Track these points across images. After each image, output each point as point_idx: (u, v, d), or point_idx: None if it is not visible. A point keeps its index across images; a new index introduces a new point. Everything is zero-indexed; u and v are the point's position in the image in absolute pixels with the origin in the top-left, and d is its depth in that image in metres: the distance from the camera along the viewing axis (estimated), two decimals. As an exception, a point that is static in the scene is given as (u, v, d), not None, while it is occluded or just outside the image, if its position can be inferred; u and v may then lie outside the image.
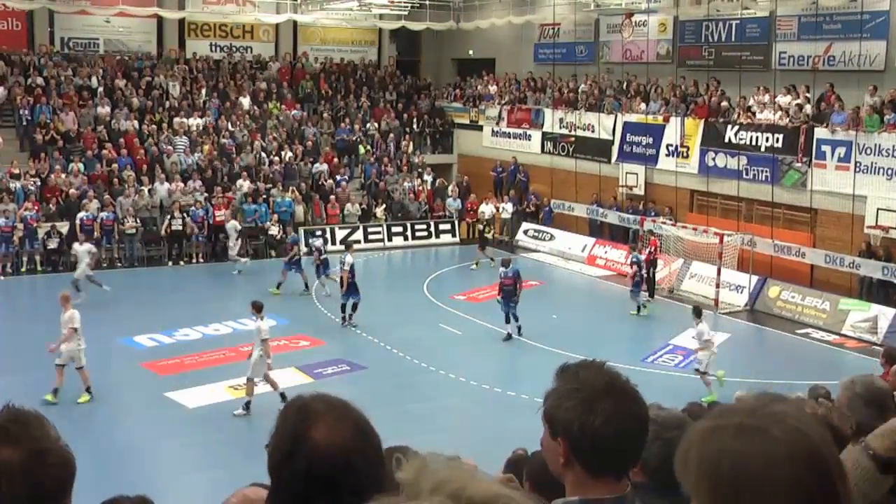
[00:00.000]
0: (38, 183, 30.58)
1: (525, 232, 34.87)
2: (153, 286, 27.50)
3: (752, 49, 30.44)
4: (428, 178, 37.09)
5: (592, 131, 34.13)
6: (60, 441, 2.05)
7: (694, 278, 28.02)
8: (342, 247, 27.69)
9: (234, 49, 41.22)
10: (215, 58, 40.18)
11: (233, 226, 29.44)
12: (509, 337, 22.32)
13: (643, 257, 25.82)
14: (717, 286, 26.28)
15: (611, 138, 33.41)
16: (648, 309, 25.30)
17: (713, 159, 29.81)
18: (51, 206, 29.88)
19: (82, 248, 25.77)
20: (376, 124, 38.91)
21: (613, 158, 33.26)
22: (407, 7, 38.15)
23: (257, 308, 17.36)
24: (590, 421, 2.44)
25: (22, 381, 17.26)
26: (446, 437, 14.91)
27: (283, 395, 16.68)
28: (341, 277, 23.34)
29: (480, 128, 39.27)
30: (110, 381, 18.92)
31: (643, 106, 32.60)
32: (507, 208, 35.16)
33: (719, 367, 18.44)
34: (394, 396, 18.57)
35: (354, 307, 23.09)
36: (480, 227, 32.77)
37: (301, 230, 32.23)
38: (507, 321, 22.47)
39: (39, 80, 34.86)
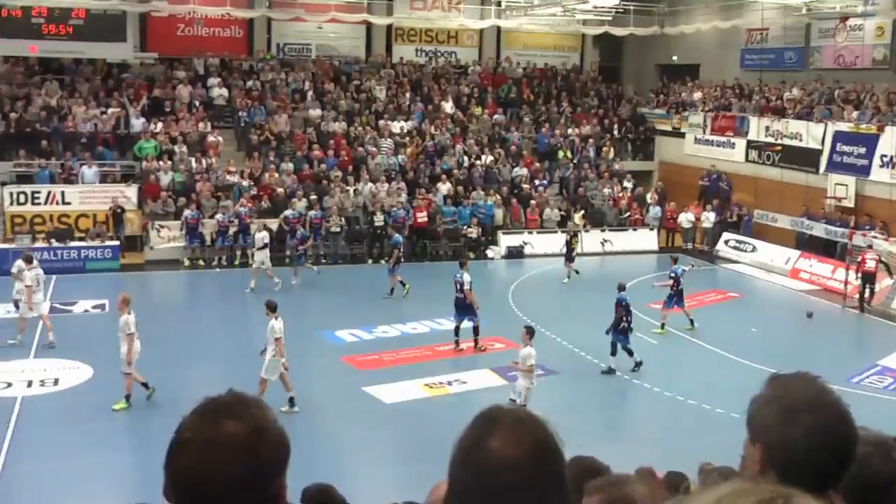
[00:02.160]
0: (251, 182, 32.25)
1: (726, 242, 34.02)
2: (355, 283, 28.41)
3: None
4: (628, 184, 36.77)
5: (800, 140, 32.95)
6: (277, 422, 2.20)
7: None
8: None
9: (438, 54, 42.17)
10: (420, 62, 41.22)
11: (262, 236, 27.51)
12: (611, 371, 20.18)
13: (680, 270, 23.74)
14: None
15: (819, 148, 32.12)
16: (663, 330, 23.46)
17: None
18: (263, 203, 31.42)
19: (259, 235, 27.18)
20: (577, 130, 38.89)
21: (822, 169, 31.97)
22: (611, 12, 37.92)
23: (271, 307, 17.07)
24: (788, 431, 2.39)
25: (226, 368, 18.28)
26: (636, 448, 14.79)
27: (291, 400, 16.84)
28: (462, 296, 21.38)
29: (683, 135, 38.59)
30: (311, 373, 19.72)
31: (855, 114, 31.24)
32: (709, 218, 34.43)
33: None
34: (585, 403, 18.59)
35: (476, 331, 21.34)
36: (567, 238, 30.36)
37: (499, 233, 32.75)
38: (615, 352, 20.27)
39: (256, 84, 36.77)
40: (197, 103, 35.42)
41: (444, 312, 23.43)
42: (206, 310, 26.02)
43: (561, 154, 37.57)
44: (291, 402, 16.87)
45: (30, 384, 18.34)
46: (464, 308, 21.37)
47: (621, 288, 20.55)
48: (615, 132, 39.85)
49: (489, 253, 32.49)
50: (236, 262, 29.97)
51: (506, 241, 32.94)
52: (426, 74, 40.13)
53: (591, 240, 33.97)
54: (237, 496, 2.05)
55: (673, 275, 23.60)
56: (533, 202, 34.21)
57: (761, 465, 2.45)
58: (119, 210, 30.36)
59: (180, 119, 34.27)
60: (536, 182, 35.57)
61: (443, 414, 17.37)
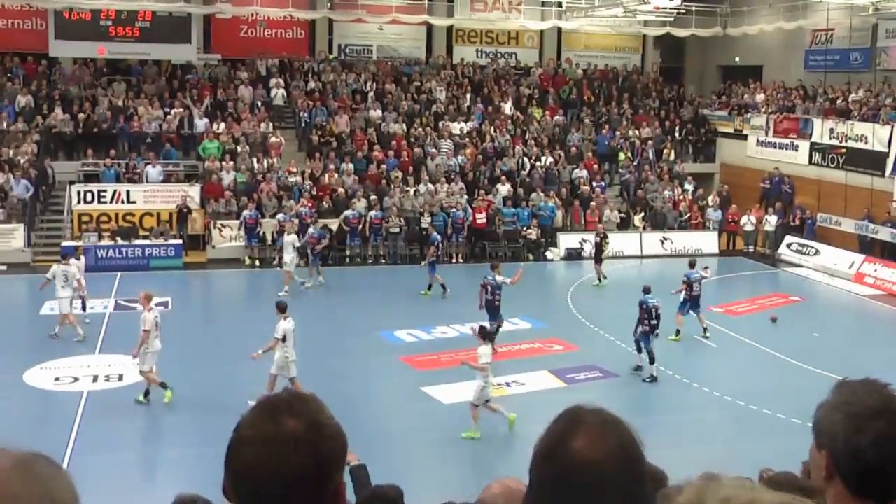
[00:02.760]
0: (311, 182, 32.55)
1: (788, 245, 33.56)
2: (414, 283, 28.52)
3: None
4: (689, 187, 36.44)
5: (865, 142, 32.40)
6: (334, 418, 2.21)
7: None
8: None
9: (498, 55, 42.17)
10: (480, 63, 41.26)
11: (292, 240, 27.20)
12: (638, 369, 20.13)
13: (698, 275, 22.89)
14: None
15: (885, 150, 31.56)
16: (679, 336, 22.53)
17: None
18: (324, 203, 31.68)
19: (288, 239, 27.07)
20: (637, 131, 38.65)
21: (888, 171, 31.41)
22: (672, 13, 37.60)
23: (281, 308, 17.06)
24: (855, 439, 2.31)
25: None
26: (695, 451, 14.69)
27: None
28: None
29: (745, 137, 38.15)
30: (371, 372, 19.91)
31: (924, 116, 30.67)
32: (771, 220, 34.01)
33: None
34: (644, 406, 18.48)
35: (496, 330, 20.89)
36: (597, 240, 29.78)
37: (558, 235, 32.70)
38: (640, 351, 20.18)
39: (318, 85, 37.10)
40: (259, 104, 35.84)
41: (504, 314, 23.53)
42: (264, 307, 26.10)
43: (621, 156, 37.35)
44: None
45: (95, 379, 18.73)
46: (495, 311, 21.55)
47: (646, 291, 20.31)
48: (676, 134, 39.54)
49: (548, 255, 32.43)
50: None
51: (565, 242, 32.84)
52: (486, 76, 40.16)
53: (651, 241, 33.74)
54: (298, 493, 2.07)
55: (686, 279, 22.73)
56: (592, 204, 34.05)
57: (827, 472, 2.39)
58: (185, 210, 30.82)
59: (242, 119, 34.70)
60: (595, 184, 35.40)
61: (501, 415, 17.40)
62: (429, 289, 26.84)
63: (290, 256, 26.78)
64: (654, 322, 19.88)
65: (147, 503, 13.53)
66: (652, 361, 19.74)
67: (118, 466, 14.54)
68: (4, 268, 28.29)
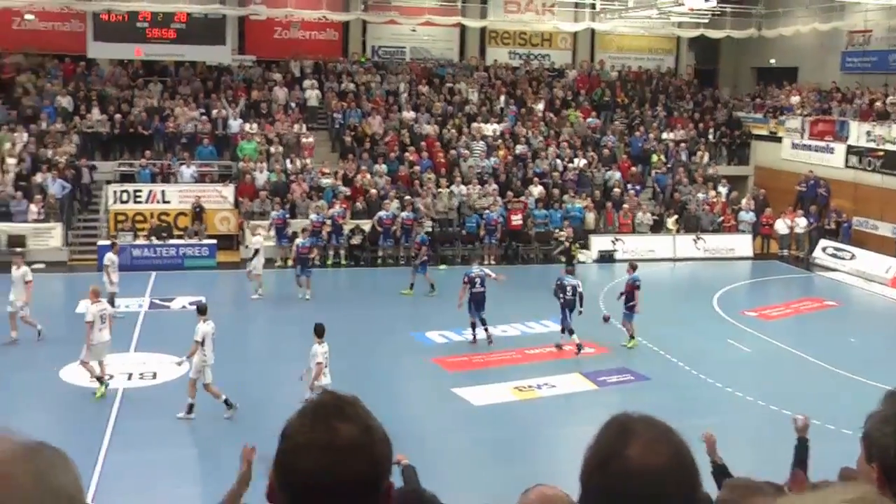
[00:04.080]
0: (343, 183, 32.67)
1: (823, 249, 33.26)
2: (444, 285, 28.51)
3: None
4: (723, 189, 36.21)
5: (903, 145, 32.10)
6: (379, 421, 2.21)
7: None
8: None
9: (531, 56, 42.14)
10: (513, 65, 41.24)
11: (258, 241, 26.74)
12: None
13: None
14: None
15: (924, 154, 31.28)
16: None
17: None
18: (357, 204, 31.78)
19: (255, 239, 26.92)
20: (671, 134, 38.47)
21: (926, 175, 31.13)
22: (707, 15, 37.41)
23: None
24: None
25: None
26: (728, 456, 14.57)
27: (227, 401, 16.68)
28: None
29: (779, 139, 37.88)
30: (401, 373, 19.96)
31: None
32: (801, 223, 33.69)
33: None
34: (675, 410, 18.29)
35: (483, 322, 21.90)
36: (566, 244, 29.51)
37: (590, 237, 32.61)
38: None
39: (351, 86, 37.24)
40: (292, 105, 36.03)
41: (533, 316, 23.51)
42: (294, 307, 26.11)
43: (654, 158, 37.19)
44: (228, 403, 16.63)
45: (130, 377, 18.90)
46: (482, 302, 21.88)
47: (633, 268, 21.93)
48: (710, 136, 39.32)
49: (580, 257, 32.28)
50: (329, 263, 30.36)
51: (597, 244, 32.75)
52: (520, 77, 40.14)
53: (684, 244, 33.57)
54: (354, 497, 2.07)
55: (631, 282, 22.04)
56: (625, 206, 33.92)
57: (879, 485, 2.33)
58: (198, 209, 31.04)
59: (276, 120, 34.89)
60: (629, 186, 35.26)
61: (532, 417, 17.41)
62: (410, 287, 26.72)
63: (255, 260, 26.18)
64: (569, 297, 21.02)
65: (180, 500, 13.65)
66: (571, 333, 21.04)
67: (151, 464, 14.67)
68: (42, 266, 28.60)
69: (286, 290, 26.29)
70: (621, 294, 22.27)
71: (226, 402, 16.59)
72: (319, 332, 16.16)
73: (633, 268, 22.42)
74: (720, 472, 8.34)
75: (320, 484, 2.04)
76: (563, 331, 21.40)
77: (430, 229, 30.66)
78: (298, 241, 26.60)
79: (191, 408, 16.45)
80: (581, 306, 21.19)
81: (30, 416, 16.31)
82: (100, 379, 17.60)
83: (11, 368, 19.04)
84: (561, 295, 21.38)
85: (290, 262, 27.49)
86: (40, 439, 1.51)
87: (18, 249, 26.89)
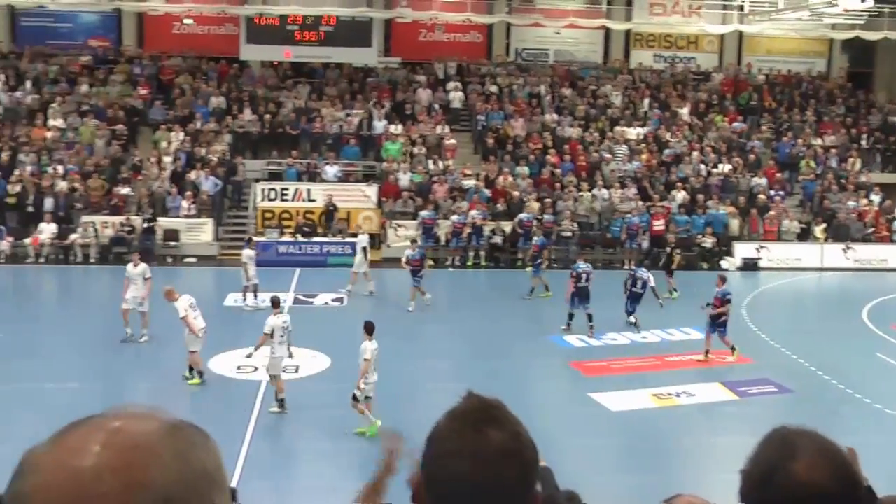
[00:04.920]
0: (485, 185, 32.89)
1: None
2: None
3: None
4: (875, 197, 34.89)
5: None
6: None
7: None
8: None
9: (677, 59, 41.51)
10: (658, 68, 40.71)
11: (364, 239, 27.19)
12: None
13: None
14: None
15: None
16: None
17: None
18: (498, 205, 31.94)
19: (361, 237, 27.42)
20: (821, 139, 37.31)
21: None
22: (863, 16, 36.08)
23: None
24: None
25: (447, 366, 18.74)
26: (871, 475, 14.08)
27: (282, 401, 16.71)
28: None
29: (939, 146, 36.30)
30: (538, 376, 19.97)
31: None
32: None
33: None
34: (818, 424, 17.37)
35: (590, 318, 22.71)
36: (669, 249, 28.73)
37: (734, 244, 31.93)
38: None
39: (494, 88, 37.43)
40: (436, 107, 36.45)
41: (675, 323, 23.20)
42: (433, 308, 26.27)
43: (803, 164, 36.12)
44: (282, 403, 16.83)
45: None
46: (587, 296, 22.87)
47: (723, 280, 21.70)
48: (863, 142, 37.95)
49: (724, 264, 31.62)
50: (469, 263, 30.62)
51: (741, 252, 32.03)
52: (664, 80, 39.60)
53: (832, 253, 32.51)
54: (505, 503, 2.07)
55: (720, 296, 21.05)
56: (771, 213, 33.05)
57: None
58: (332, 208, 31.66)
59: (420, 122, 35.36)
60: (772, 192, 34.31)
61: (670, 425, 17.19)
62: (531, 292, 26.69)
63: (359, 257, 26.72)
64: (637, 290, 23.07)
65: (319, 490, 14.00)
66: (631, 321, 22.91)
67: (291, 454, 15.13)
68: (194, 260, 29.84)
69: (428, 290, 26.48)
70: (707, 304, 21.11)
71: (281, 401, 16.84)
72: (369, 329, 16.30)
73: (722, 280, 21.66)
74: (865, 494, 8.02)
75: (469, 490, 2.03)
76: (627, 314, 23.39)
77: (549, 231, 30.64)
78: (408, 252, 25.98)
79: (282, 403, 16.79)
80: (659, 299, 24.24)
81: (178, 401, 16.99)
82: (197, 371, 18.36)
83: (164, 357, 19.86)
84: (630, 286, 23.31)
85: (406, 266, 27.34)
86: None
87: (172, 244, 28.24)
